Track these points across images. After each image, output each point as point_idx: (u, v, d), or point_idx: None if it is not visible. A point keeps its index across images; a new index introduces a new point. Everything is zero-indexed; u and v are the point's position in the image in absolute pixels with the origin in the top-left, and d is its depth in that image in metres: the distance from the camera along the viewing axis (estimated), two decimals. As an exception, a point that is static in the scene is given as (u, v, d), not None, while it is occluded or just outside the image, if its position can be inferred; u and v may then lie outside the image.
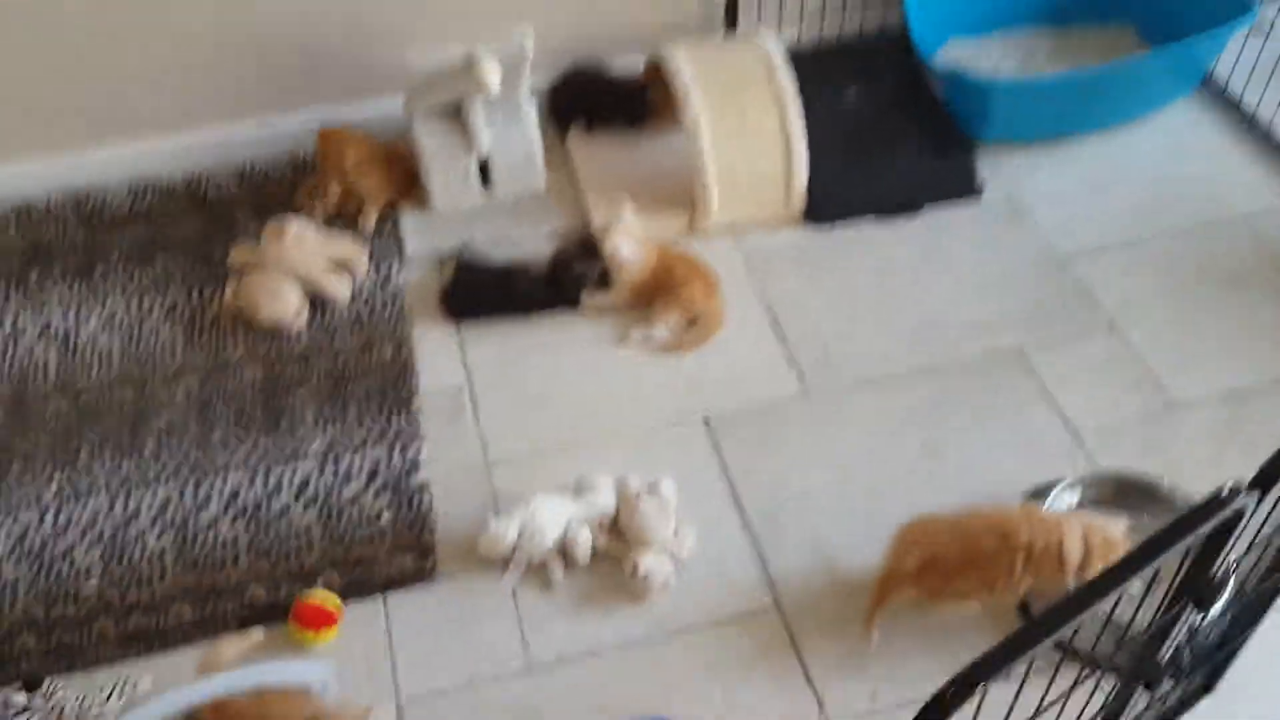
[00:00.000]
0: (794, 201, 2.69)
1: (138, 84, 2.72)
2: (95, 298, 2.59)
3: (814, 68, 2.81)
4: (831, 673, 1.89)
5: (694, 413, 2.33)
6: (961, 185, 2.75)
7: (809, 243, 2.68)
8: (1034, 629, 0.97)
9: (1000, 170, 2.77)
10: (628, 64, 2.88)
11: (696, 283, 2.49)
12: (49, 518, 2.17)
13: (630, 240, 2.49)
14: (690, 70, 2.60)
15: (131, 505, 2.18)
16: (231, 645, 1.91)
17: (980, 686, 0.95)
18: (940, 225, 2.68)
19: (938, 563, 1.82)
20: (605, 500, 2.10)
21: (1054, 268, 2.56)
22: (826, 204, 2.70)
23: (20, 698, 1.82)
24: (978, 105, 2.77)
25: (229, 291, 2.52)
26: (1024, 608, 1.92)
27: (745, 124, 2.60)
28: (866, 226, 2.69)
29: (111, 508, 2.18)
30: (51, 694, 1.84)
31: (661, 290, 2.49)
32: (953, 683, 0.95)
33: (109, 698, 1.87)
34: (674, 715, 1.82)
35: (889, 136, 2.84)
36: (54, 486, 2.22)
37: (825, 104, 2.81)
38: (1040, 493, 2.04)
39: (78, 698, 1.84)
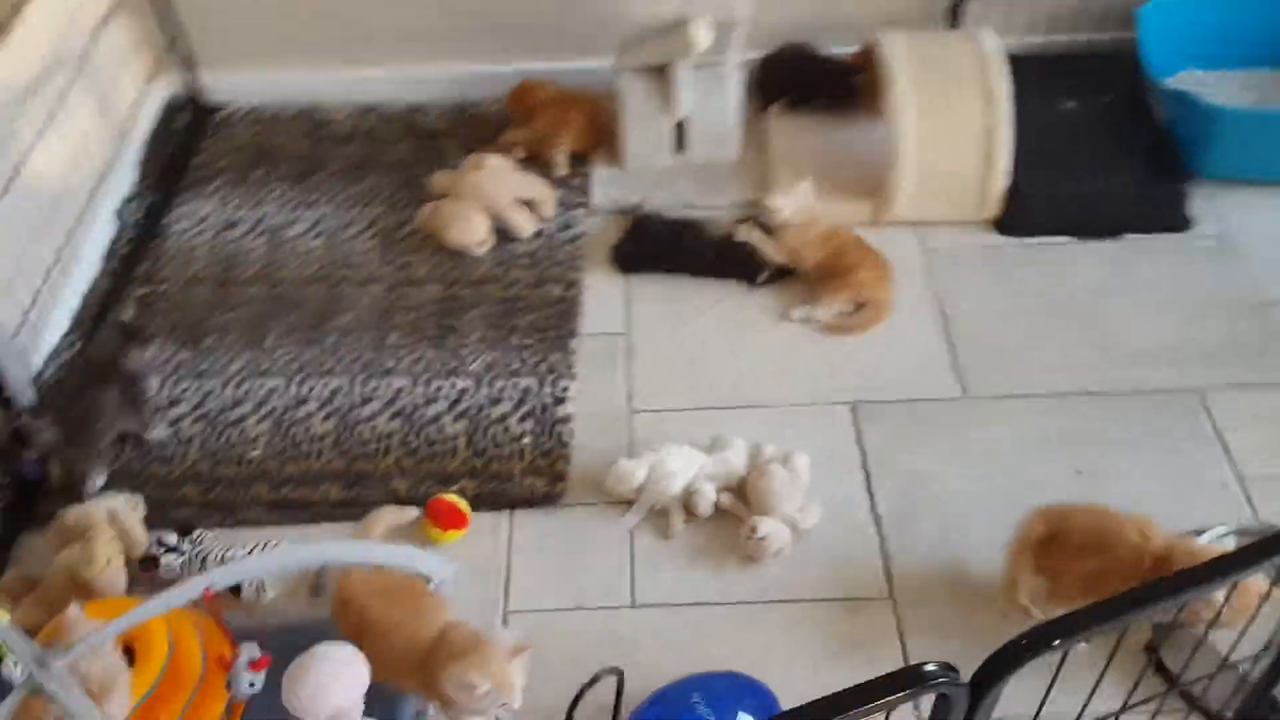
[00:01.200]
0: (988, 206, 2.62)
1: (384, 15, 2.91)
2: (307, 203, 2.79)
3: (1033, 75, 2.71)
4: (933, 672, 1.84)
5: (842, 397, 2.31)
6: (1171, 216, 2.61)
7: (996, 249, 2.60)
8: (1117, 602, 0.93)
9: (1214, 205, 2.61)
10: (841, 51, 2.87)
11: (869, 269, 2.46)
12: (230, 388, 2.36)
13: (795, 204, 2.49)
14: (902, 58, 2.57)
15: (304, 390, 2.35)
16: (388, 516, 2.02)
17: (1058, 643, 0.92)
18: (1139, 249, 2.55)
19: (1067, 536, 1.76)
20: (737, 461, 2.12)
21: (1253, 311, 2.39)
22: (1022, 215, 2.61)
23: (171, 539, 2.00)
24: (1204, 132, 2.61)
25: (424, 212, 2.67)
26: (1150, 649, 1.82)
27: (950, 120, 2.55)
28: (1059, 238, 2.59)
29: (287, 388, 2.36)
30: (199, 541, 2.01)
31: (832, 272, 2.48)
32: (1028, 635, 0.93)
33: (249, 553, 2.02)
34: (763, 680, 1.81)
35: (1101, 156, 2.72)
36: (240, 362, 2.42)
37: (1039, 113, 2.70)
38: (1194, 535, 1.92)
39: (221, 549, 1.99)
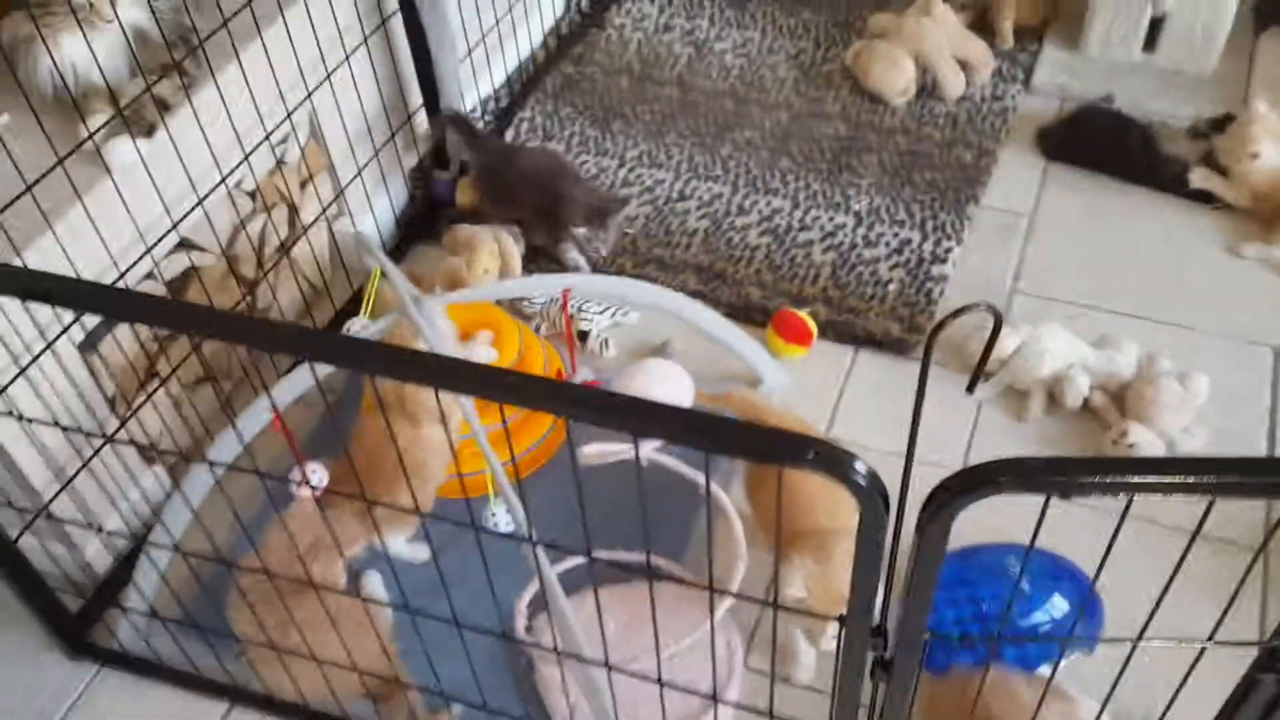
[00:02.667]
0: None
1: None
2: (740, 24, 2.78)
3: None
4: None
5: (1268, 339, 1.99)
6: None
7: None
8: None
9: None
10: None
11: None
12: (623, 170, 2.42)
13: (1270, 138, 2.14)
14: None
15: (689, 188, 2.36)
16: None
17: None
18: None
19: None
20: (1124, 363, 1.88)
21: None
22: None
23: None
24: None
25: (852, 51, 2.58)
26: None
27: None
28: None
29: (673, 183, 2.38)
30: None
31: (1296, 207, 2.13)
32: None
33: (602, 312, 2.07)
34: (1088, 575, 1.61)
35: None
36: (638, 150, 2.47)
37: None
38: None
39: (581, 301, 2.05)
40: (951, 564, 1.60)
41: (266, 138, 1.85)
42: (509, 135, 2.52)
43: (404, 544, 1.71)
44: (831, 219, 2.27)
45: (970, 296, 2.08)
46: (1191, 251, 2.17)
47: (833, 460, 0.79)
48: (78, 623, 1.70)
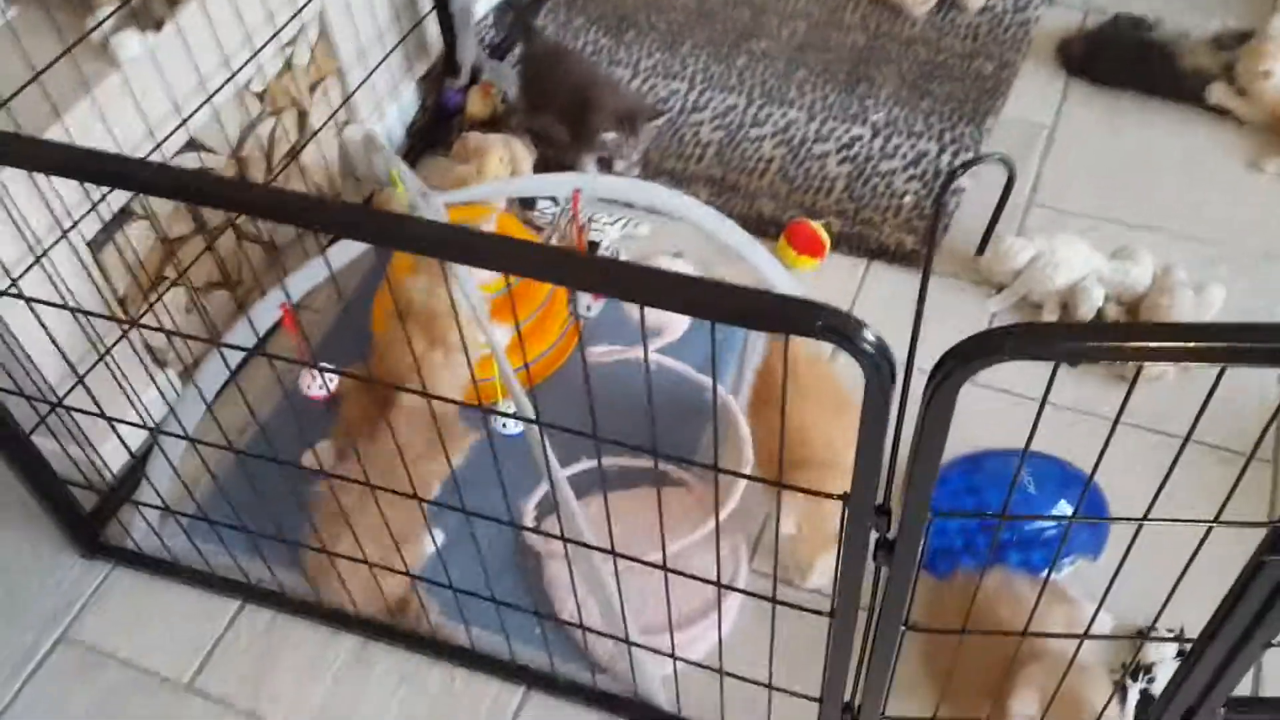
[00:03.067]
0: None
1: None
2: (757, -66, 2.72)
3: None
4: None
5: (1287, 250, 1.96)
6: None
7: None
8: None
9: None
10: None
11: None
12: (636, 81, 2.39)
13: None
14: None
15: (703, 99, 2.33)
16: None
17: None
18: None
19: None
20: (1139, 274, 1.86)
21: None
22: None
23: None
24: None
25: (871, -40, 2.52)
26: None
27: None
28: None
29: (687, 93, 2.35)
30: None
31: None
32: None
33: (614, 224, 2.06)
34: (1096, 483, 1.62)
35: None
36: (652, 60, 2.43)
37: None
38: None
39: (591, 212, 2.04)
40: (959, 471, 1.61)
41: (275, 35, 1.83)
42: (520, 45, 2.48)
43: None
44: (848, 131, 2.24)
45: (986, 209, 2.07)
46: (1211, 166, 2.14)
47: (841, 328, 0.78)
48: (91, 521, 1.72)
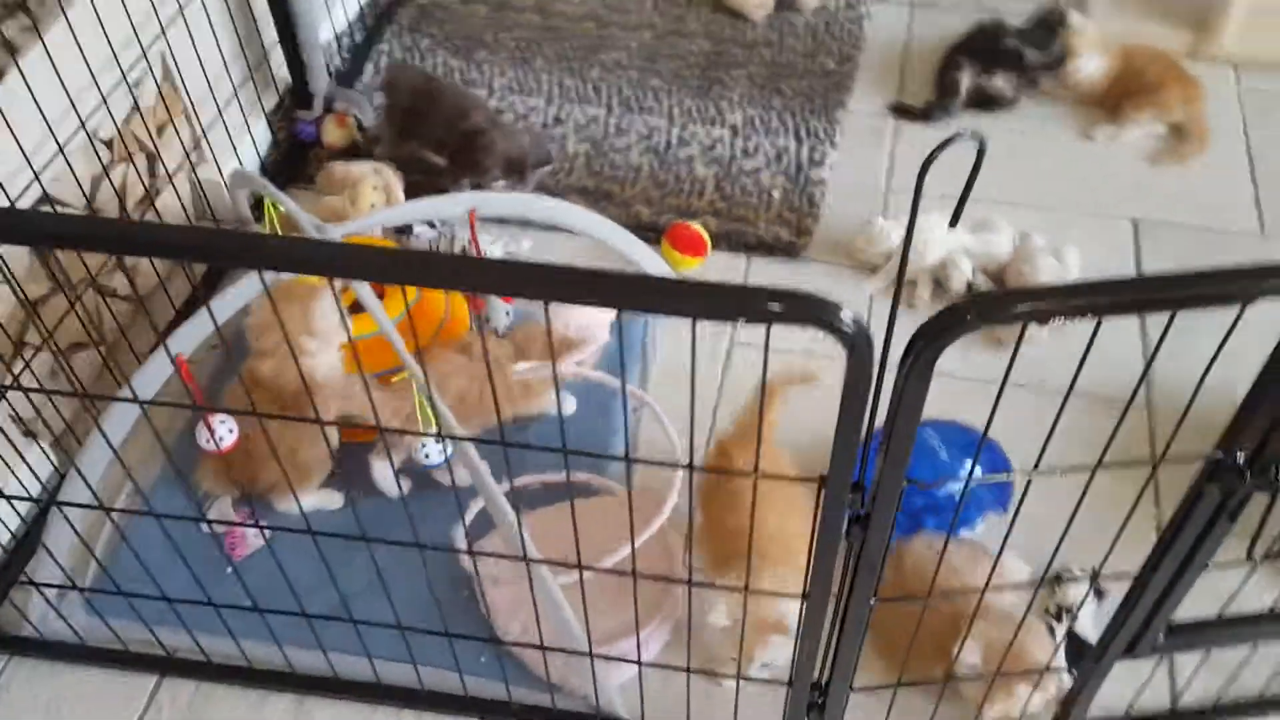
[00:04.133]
0: (1327, 51, 2.33)
1: None
2: (590, -52, 2.75)
3: None
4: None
5: (1126, 212, 2.13)
6: None
7: (1324, 98, 2.33)
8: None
9: None
10: None
11: (1174, 87, 2.24)
12: (493, 100, 2.38)
13: (1088, 48, 2.28)
14: None
15: (563, 112, 2.34)
16: None
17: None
18: None
19: None
20: (1001, 244, 1.98)
21: None
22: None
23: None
24: None
25: (707, -33, 2.59)
26: None
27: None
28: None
29: (546, 108, 2.35)
30: (449, 224, 2.04)
31: (1132, 92, 2.27)
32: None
33: (494, 243, 2.04)
34: (1000, 445, 1.71)
35: None
36: (506, 79, 2.43)
37: None
38: None
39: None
40: (874, 447, 1.67)
41: (124, 77, 1.73)
42: (367, 69, 2.43)
43: (314, 494, 1.66)
44: (709, 133, 2.29)
45: (850, 196, 2.16)
46: (1047, 139, 2.30)
47: (810, 309, 0.80)
48: (-27, 612, 1.59)
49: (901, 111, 2.33)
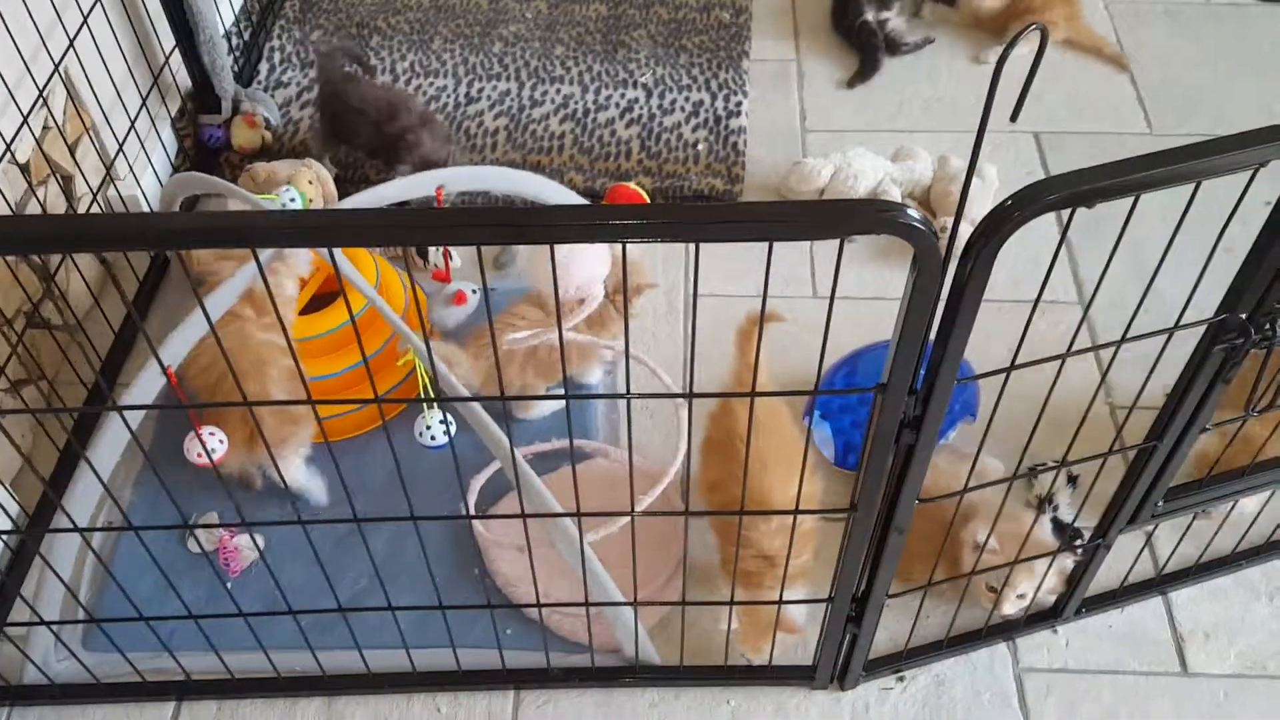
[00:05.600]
0: (1177, -40, 2.51)
1: None
2: (465, -76, 2.73)
3: None
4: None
5: (1026, 127, 2.25)
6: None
7: (1180, 5, 2.50)
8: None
9: None
10: None
11: (1057, 7, 2.38)
12: (399, 84, 2.34)
13: None
14: None
15: (475, 90, 2.33)
16: None
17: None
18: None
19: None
20: (922, 170, 2.08)
21: None
22: (1212, -28, 2.50)
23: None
24: None
25: (590, -67, 2.60)
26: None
27: None
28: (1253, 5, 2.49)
29: (456, 88, 2.33)
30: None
31: (1018, 14, 2.40)
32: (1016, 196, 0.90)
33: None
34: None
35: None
36: (407, 61, 2.39)
37: None
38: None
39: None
40: (843, 375, 1.74)
41: (40, 96, 1.64)
42: (262, 68, 2.36)
43: (302, 474, 1.63)
44: (624, 95, 2.32)
45: (770, 141, 2.22)
46: (941, 67, 2.41)
47: (896, 214, 0.85)
48: (-37, 669, 1.51)
49: (852, 83, 2.38)
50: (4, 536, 1.56)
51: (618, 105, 2.30)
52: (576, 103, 2.30)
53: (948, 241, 0.92)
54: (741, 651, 1.46)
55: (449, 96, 2.31)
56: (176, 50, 2.08)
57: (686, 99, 2.31)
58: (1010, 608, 1.47)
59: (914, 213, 0.87)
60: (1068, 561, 1.47)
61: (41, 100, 1.71)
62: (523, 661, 1.50)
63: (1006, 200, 0.92)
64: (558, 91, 2.33)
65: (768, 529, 1.38)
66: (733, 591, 1.37)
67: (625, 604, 1.37)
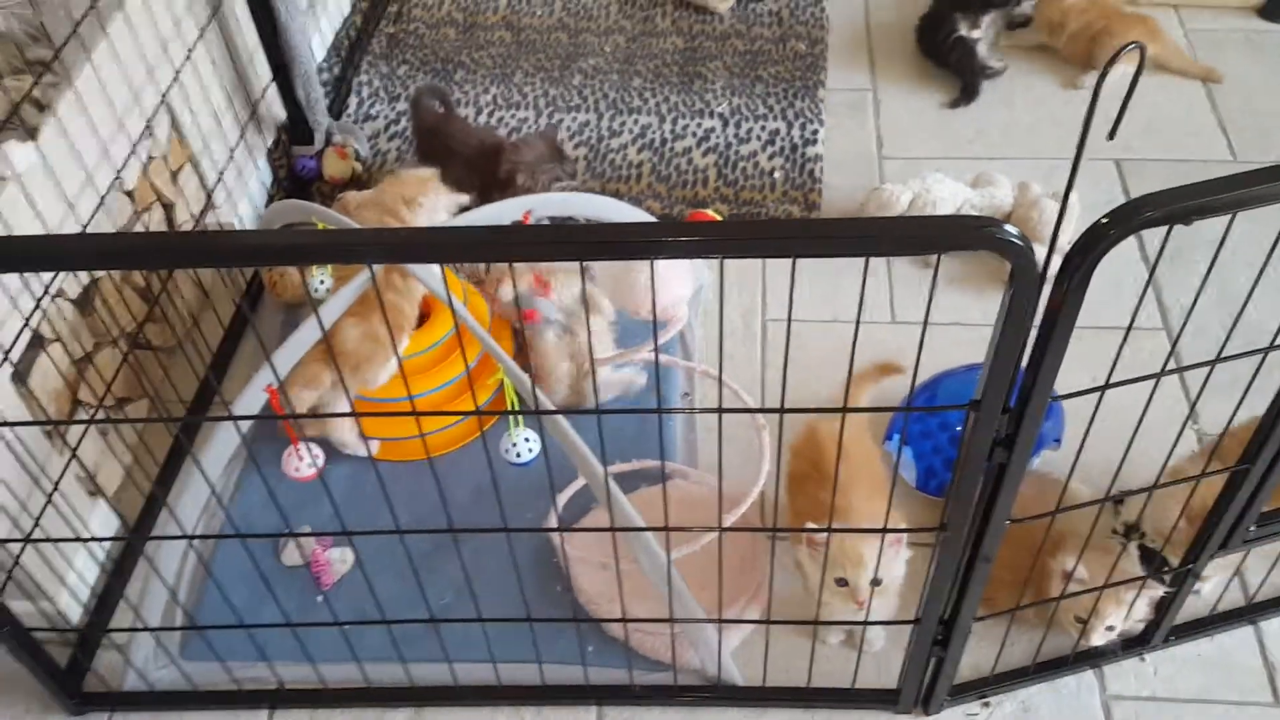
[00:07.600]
0: (1258, -11, 2.49)
1: None
2: (545, -39, 2.80)
3: None
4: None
5: (1107, 154, 2.25)
6: None
7: (1260, 34, 2.49)
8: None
9: None
10: None
11: (1137, 28, 2.38)
12: (483, 117, 2.41)
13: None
14: None
15: (554, 122, 2.38)
16: None
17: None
18: None
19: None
20: (1003, 195, 2.08)
21: None
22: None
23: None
24: None
25: (667, -32, 2.66)
26: None
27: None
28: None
29: (537, 119, 2.39)
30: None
31: (1097, 37, 2.40)
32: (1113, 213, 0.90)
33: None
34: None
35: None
36: (490, 94, 2.46)
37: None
38: None
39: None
40: (923, 398, 1.74)
41: (147, 126, 1.73)
42: (351, 101, 2.45)
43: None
44: (700, 124, 2.36)
45: (846, 168, 2.24)
46: (1017, 92, 2.41)
47: (996, 231, 0.87)
48: (69, 676, 1.56)
49: (955, 104, 2.40)
50: (114, 543, 1.62)
51: (694, 134, 2.34)
52: (654, 132, 2.35)
53: (1043, 264, 0.93)
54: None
55: (530, 128, 2.37)
56: (273, 84, 2.17)
57: (763, 128, 2.34)
58: (1099, 639, 1.45)
59: (1011, 228, 0.89)
60: (1157, 590, 1.45)
61: (148, 130, 1.79)
62: (605, 678, 1.52)
63: (1103, 218, 0.93)
64: (635, 122, 2.37)
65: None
66: (818, 610, 1.37)
67: (709, 620, 1.38)
